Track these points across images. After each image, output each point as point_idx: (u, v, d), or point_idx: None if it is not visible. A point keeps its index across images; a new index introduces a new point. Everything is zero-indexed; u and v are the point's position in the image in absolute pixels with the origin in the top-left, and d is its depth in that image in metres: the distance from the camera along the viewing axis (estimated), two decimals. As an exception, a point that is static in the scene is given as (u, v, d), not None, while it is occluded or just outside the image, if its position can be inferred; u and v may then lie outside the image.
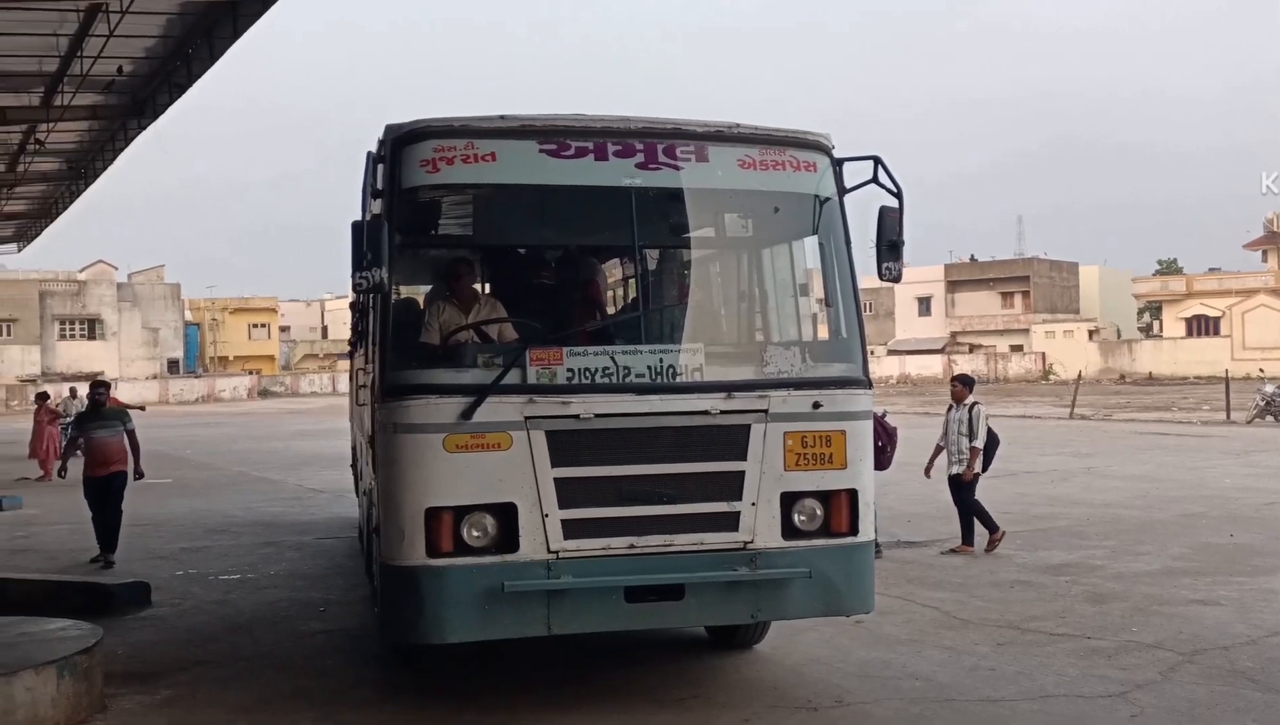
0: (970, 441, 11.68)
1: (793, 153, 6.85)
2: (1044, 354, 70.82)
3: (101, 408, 12.54)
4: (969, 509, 11.82)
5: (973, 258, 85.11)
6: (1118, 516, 14.29)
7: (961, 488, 11.82)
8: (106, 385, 13.26)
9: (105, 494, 12.08)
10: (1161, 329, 77.16)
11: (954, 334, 79.65)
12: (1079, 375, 44.13)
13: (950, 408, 11.99)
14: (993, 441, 11.93)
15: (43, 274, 72.76)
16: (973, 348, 76.51)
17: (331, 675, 7.67)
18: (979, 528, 11.81)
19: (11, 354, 68.48)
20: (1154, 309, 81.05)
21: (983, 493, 12.02)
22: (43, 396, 24.02)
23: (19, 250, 40.82)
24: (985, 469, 11.97)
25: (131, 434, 12.32)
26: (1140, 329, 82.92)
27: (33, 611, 8.66)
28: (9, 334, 70.14)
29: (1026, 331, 75.71)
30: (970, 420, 11.71)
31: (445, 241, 7.65)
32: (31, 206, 32.28)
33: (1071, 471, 19.54)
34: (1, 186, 27.68)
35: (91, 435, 12.17)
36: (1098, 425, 31.41)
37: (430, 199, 6.76)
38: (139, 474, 12.42)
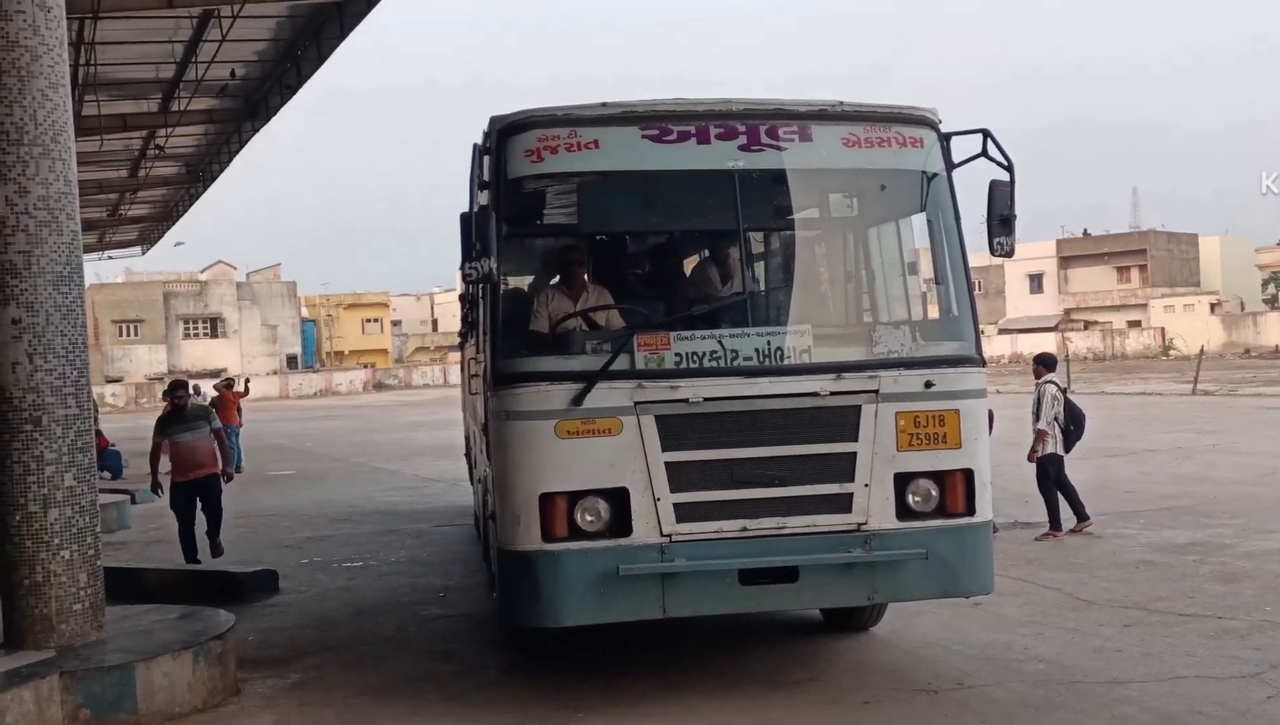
0: (1034, 423, 11.39)
1: (898, 129, 6.75)
2: (1163, 329, 68.64)
3: (184, 410, 11.65)
4: (1050, 491, 11.48)
5: (1086, 232, 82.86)
6: (1245, 494, 13.81)
7: (1042, 469, 11.51)
8: (185, 385, 12.33)
9: (196, 499, 11.44)
10: (1288, 300, 74.26)
11: (1068, 311, 77.63)
12: (1201, 350, 42.69)
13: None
14: (1076, 419, 11.56)
15: (166, 276, 75.47)
16: (1088, 324, 74.50)
17: (454, 658, 7.81)
18: (1066, 511, 11.46)
19: (139, 353, 71.10)
20: (1279, 280, 77.97)
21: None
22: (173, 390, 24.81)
23: (143, 253, 42.35)
24: (1069, 449, 11.62)
25: (218, 433, 11.74)
26: (1265, 301, 79.72)
27: (168, 600, 9.02)
28: (136, 334, 72.83)
29: (1144, 306, 73.46)
30: (1038, 400, 11.42)
31: (551, 230, 7.72)
32: (153, 210, 33.42)
33: (1195, 449, 18.93)
34: (125, 191, 28.73)
35: (176, 439, 11.21)
36: (1222, 401, 30.34)
37: (536, 188, 6.82)
38: (228, 476, 11.98)
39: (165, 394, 11.67)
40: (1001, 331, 73.18)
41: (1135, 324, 72.22)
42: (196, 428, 11.37)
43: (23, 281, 6.85)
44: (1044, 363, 11.82)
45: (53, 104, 6.94)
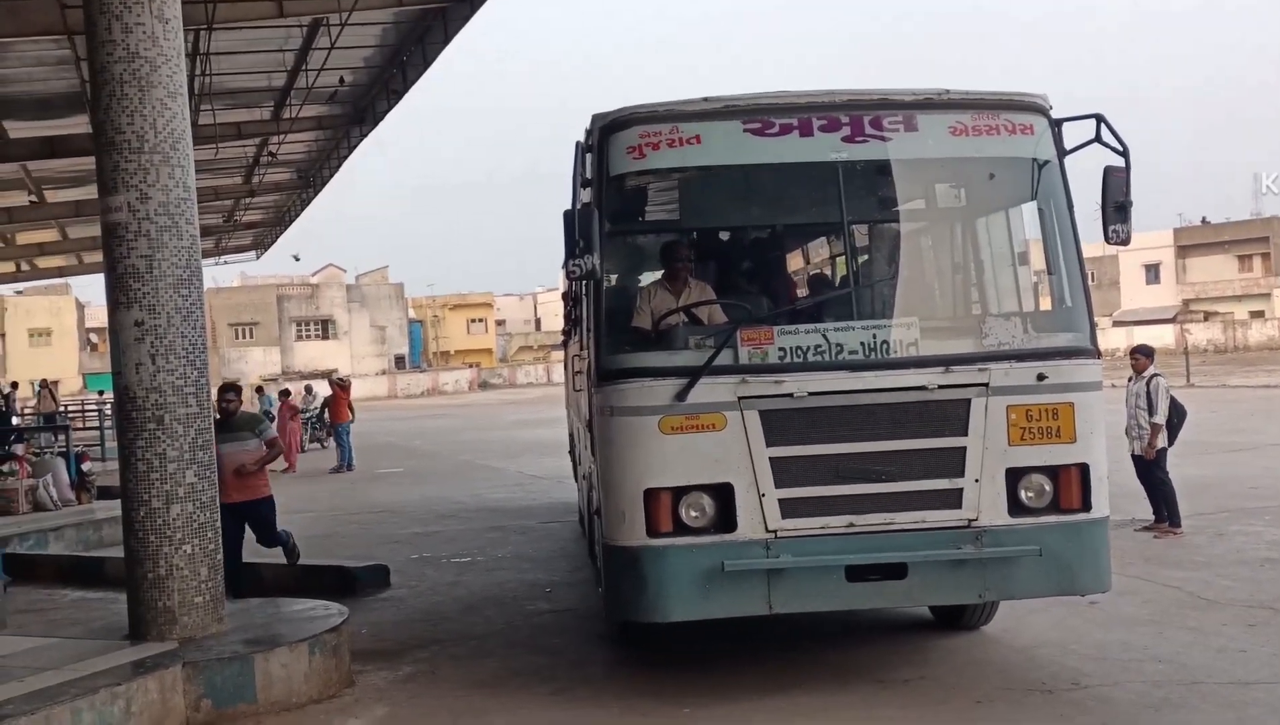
0: (1150, 416, 11.02)
1: (1007, 116, 6.61)
2: (1288, 319, 66.09)
3: (231, 417, 9.77)
4: (1160, 487, 11.13)
5: (1204, 220, 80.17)
6: (1378, 489, 13.22)
7: (1147, 465, 11.15)
8: (237, 388, 10.35)
9: (244, 524, 9.66)
10: None
11: (1186, 302, 75.19)
12: (1330, 340, 40.96)
13: (1130, 380, 11.34)
14: (1178, 414, 11.21)
15: (279, 279, 77.51)
16: (1208, 316, 72.07)
17: (561, 653, 7.88)
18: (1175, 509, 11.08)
19: (254, 355, 73.18)
20: None
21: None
22: (284, 393, 25.56)
23: (257, 257, 43.52)
24: (1171, 443, 11.25)
25: (273, 443, 10.07)
26: (1398, 288, 76.21)
27: (284, 594, 9.26)
28: (251, 337, 75.00)
29: (1268, 296, 70.75)
30: (1149, 393, 11.06)
31: (654, 226, 7.74)
32: (266, 215, 34.32)
33: (1323, 444, 18.19)
34: (239, 197, 29.55)
35: (220, 451, 8.53)
36: (1353, 393, 29.12)
37: (638, 184, 6.85)
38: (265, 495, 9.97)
39: (216, 397, 9.46)
40: (1116, 323, 71.15)
41: (1258, 314, 69.61)
42: (240, 439, 9.63)
43: (145, 285, 7.10)
44: (1146, 354, 11.46)
45: (171, 112, 7.18)
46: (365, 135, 22.27)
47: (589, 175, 6.60)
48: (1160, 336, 64.08)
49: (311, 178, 27.63)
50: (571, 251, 6.27)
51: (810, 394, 6.21)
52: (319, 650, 7.00)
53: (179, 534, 7.14)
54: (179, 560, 7.14)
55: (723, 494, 6.23)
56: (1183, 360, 38.61)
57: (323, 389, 26.24)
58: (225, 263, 45.24)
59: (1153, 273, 76.52)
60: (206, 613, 7.24)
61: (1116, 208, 6.53)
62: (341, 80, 18.53)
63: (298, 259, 66.49)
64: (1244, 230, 75.95)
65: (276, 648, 6.87)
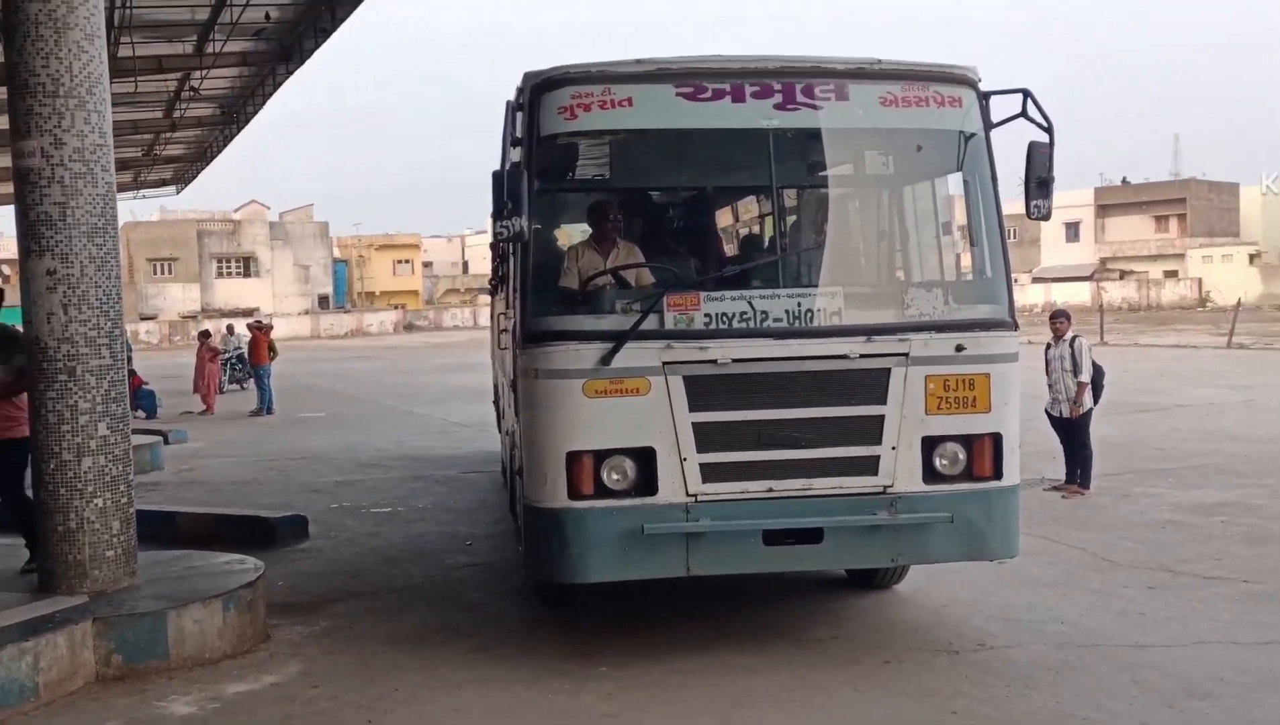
0: (1076, 376, 11.31)
1: (937, 88, 6.65)
2: (1200, 280, 67.85)
3: None
4: (1080, 449, 11.45)
5: (1125, 180, 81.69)
6: (1278, 453, 13.68)
7: (1073, 426, 11.45)
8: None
9: None
10: (1330, 252, 73.07)
11: (1104, 260, 76.79)
12: (1238, 302, 42.14)
13: (1048, 346, 11.61)
14: (1098, 374, 11.55)
15: (200, 214, 75.82)
16: (1124, 274, 73.70)
17: (480, 608, 7.91)
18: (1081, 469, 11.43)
19: (173, 292, 71.71)
20: (1322, 230, 76.69)
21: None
22: (204, 334, 25.12)
23: (177, 192, 42.37)
24: (1096, 402, 11.59)
25: (21, 373, 7.49)
26: (1306, 252, 78.58)
27: (199, 544, 9.17)
28: (170, 272, 73.43)
29: (1182, 257, 72.57)
30: (1074, 355, 11.34)
31: (584, 187, 7.68)
32: (187, 150, 33.43)
33: (1229, 404, 18.77)
34: (159, 132, 28.76)
35: None
36: (1258, 355, 30.03)
37: (568, 145, 6.76)
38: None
39: None
40: (1036, 280, 72.55)
41: (1172, 274, 71.43)
42: None
43: (58, 233, 6.90)
44: (1066, 317, 11.73)
45: (88, 55, 6.94)
46: (291, 73, 21.73)
47: (519, 135, 6.51)
48: (1077, 293, 65.59)
49: (235, 114, 26.95)
50: (500, 212, 6.20)
51: (734, 361, 6.25)
52: (233, 606, 6.94)
53: (90, 487, 7.01)
54: (90, 514, 7.01)
55: (645, 458, 6.26)
56: (1098, 318, 39.48)
57: (245, 329, 25.79)
58: (144, 197, 44.14)
59: (1073, 231, 77.98)
60: (118, 567, 7.13)
61: (1039, 183, 6.62)
62: (268, 16, 18.02)
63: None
64: (1162, 191, 77.70)
65: (190, 603, 6.79)
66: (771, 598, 7.84)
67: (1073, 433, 11.49)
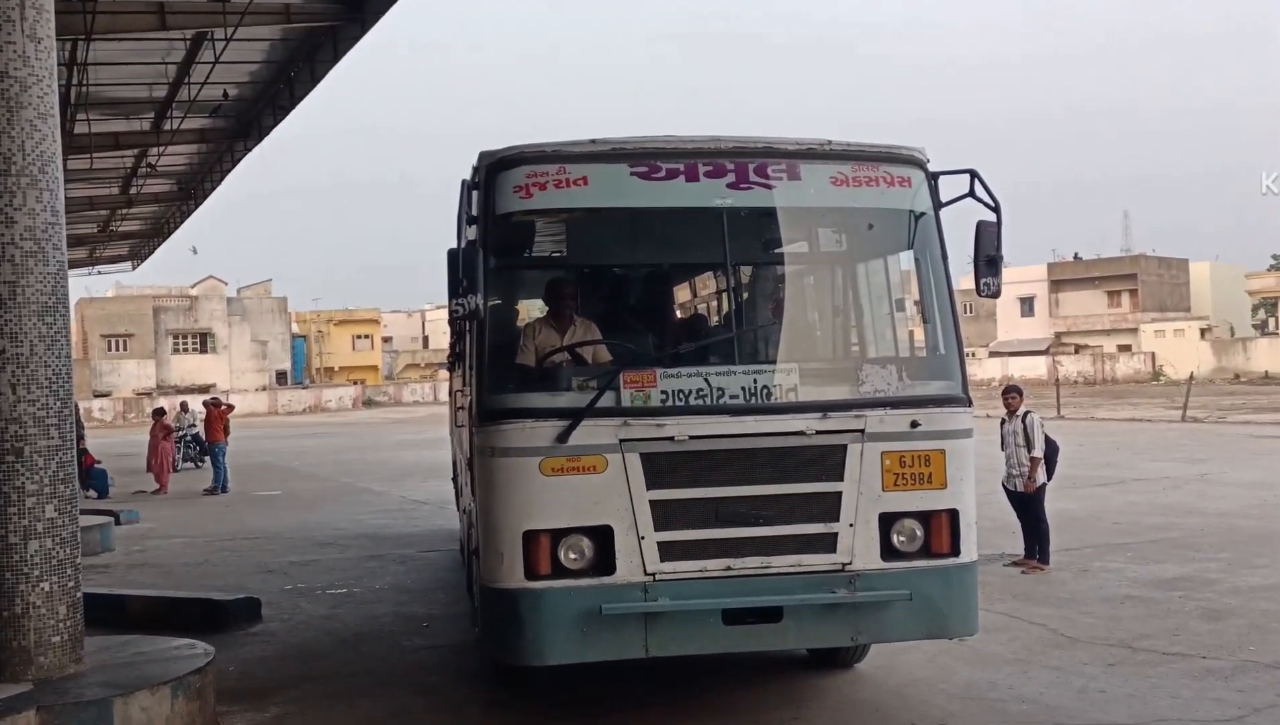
0: (1029, 452, 11.41)
1: (886, 168, 6.77)
2: (1153, 354, 68.83)
3: None
4: (1035, 524, 11.51)
5: (1076, 256, 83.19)
6: (1233, 527, 13.81)
7: (1028, 500, 11.53)
8: None
9: None
10: (1278, 326, 74.42)
11: (1058, 334, 77.85)
12: (1190, 376, 42.83)
13: (1003, 420, 11.73)
14: (1052, 449, 11.66)
15: (156, 290, 75.27)
16: (1078, 348, 74.68)
17: (436, 693, 7.77)
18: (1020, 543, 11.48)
19: (128, 368, 70.93)
20: (1269, 306, 78.17)
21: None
22: (159, 412, 24.81)
23: (133, 268, 42.30)
24: (1049, 478, 11.68)
25: None
26: (1255, 326, 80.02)
27: (150, 627, 8.97)
28: (125, 348, 72.67)
29: (1135, 331, 73.69)
30: (1026, 430, 11.44)
31: (540, 264, 7.72)
32: (144, 226, 33.41)
33: (1184, 478, 18.96)
34: (116, 208, 28.70)
35: None
36: (1211, 428, 30.43)
37: (524, 223, 6.82)
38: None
39: None
40: (993, 354, 73.37)
41: (1125, 348, 72.42)
42: None
43: (7, 312, 6.83)
44: (1018, 392, 11.87)
45: (41, 134, 6.93)
46: (250, 150, 21.90)
47: (475, 213, 6.54)
48: (1033, 367, 66.36)
49: (192, 190, 27.01)
50: (455, 290, 6.21)
51: (691, 438, 6.24)
52: (182, 693, 6.78)
53: (36, 571, 6.86)
54: (36, 598, 6.86)
55: (602, 536, 6.21)
56: (1054, 391, 39.92)
57: (200, 406, 25.52)
58: (100, 273, 43.92)
59: (1027, 305, 79.10)
60: (64, 652, 6.96)
61: (988, 261, 6.73)
62: (225, 94, 18.18)
63: (195, 251, 64.32)
64: (1113, 266, 79.05)
65: (137, 691, 6.61)
66: (731, 677, 7.76)
67: (1028, 507, 11.55)
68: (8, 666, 6.86)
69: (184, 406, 28.70)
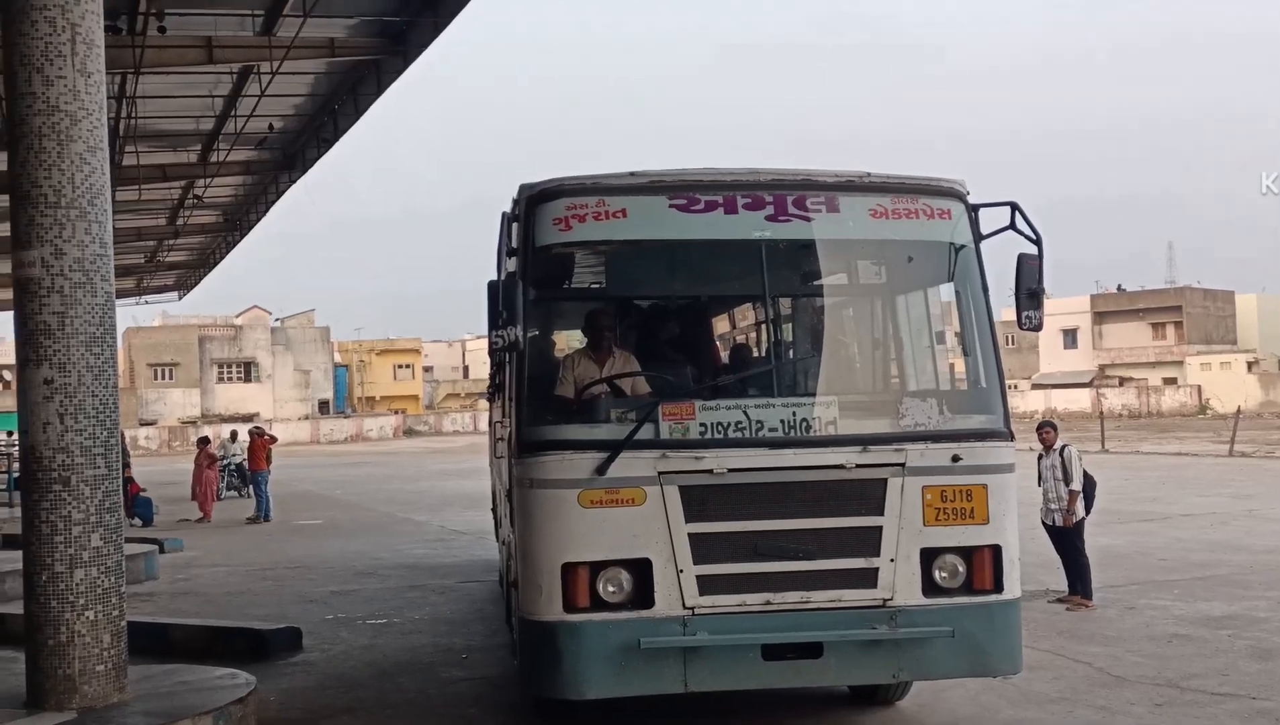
0: (1067, 485, 11.27)
1: (926, 200, 6.75)
2: (1199, 387, 67.92)
3: None
4: (1078, 555, 11.34)
5: (1120, 288, 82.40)
6: (1282, 564, 13.56)
7: (1066, 535, 11.37)
8: None
9: None
10: (1328, 359, 73.29)
11: (1102, 367, 77.00)
12: (1238, 410, 42.16)
13: (1040, 456, 11.60)
14: (1090, 484, 11.49)
15: (202, 319, 76.21)
16: (1123, 381, 73.82)
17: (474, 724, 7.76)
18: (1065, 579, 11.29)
19: (174, 397, 71.68)
20: (1319, 337, 77.01)
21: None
22: (204, 441, 25.04)
23: (179, 298, 42.90)
24: (1087, 512, 11.51)
25: None
26: (1304, 359, 78.78)
27: (192, 656, 9.04)
28: (171, 377, 73.51)
29: (1180, 363, 72.75)
30: (1064, 464, 11.31)
31: (579, 296, 7.75)
32: (191, 256, 33.90)
33: (1232, 514, 18.63)
34: (163, 239, 29.16)
35: None
36: (1260, 463, 29.91)
37: (563, 255, 6.86)
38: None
39: None
40: (1035, 387, 72.61)
41: (1171, 381, 71.49)
42: None
43: (56, 342, 6.94)
44: (1053, 427, 11.78)
45: (90, 167, 7.06)
46: (294, 181, 22.19)
47: (514, 245, 6.61)
48: (1077, 400, 65.64)
49: (238, 221, 27.38)
50: (495, 322, 6.25)
51: (730, 471, 6.23)
52: (224, 722, 6.82)
53: (81, 600, 6.93)
54: (81, 627, 6.93)
55: (641, 569, 6.20)
56: (1098, 424, 39.43)
57: (245, 436, 25.76)
58: (147, 303, 44.57)
59: (1070, 338, 78.30)
60: (108, 681, 7.01)
61: (1029, 294, 6.68)
62: (271, 127, 18.47)
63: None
64: (1158, 299, 78.16)
65: (179, 720, 6.67)
66: (773, 713, 7.68)
67: (1067, 542, 11.40)
68: (52, 695, 6.92)
69: (233, 435, 28.92)
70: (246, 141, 19.37)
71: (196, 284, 39.01)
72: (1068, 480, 11.26)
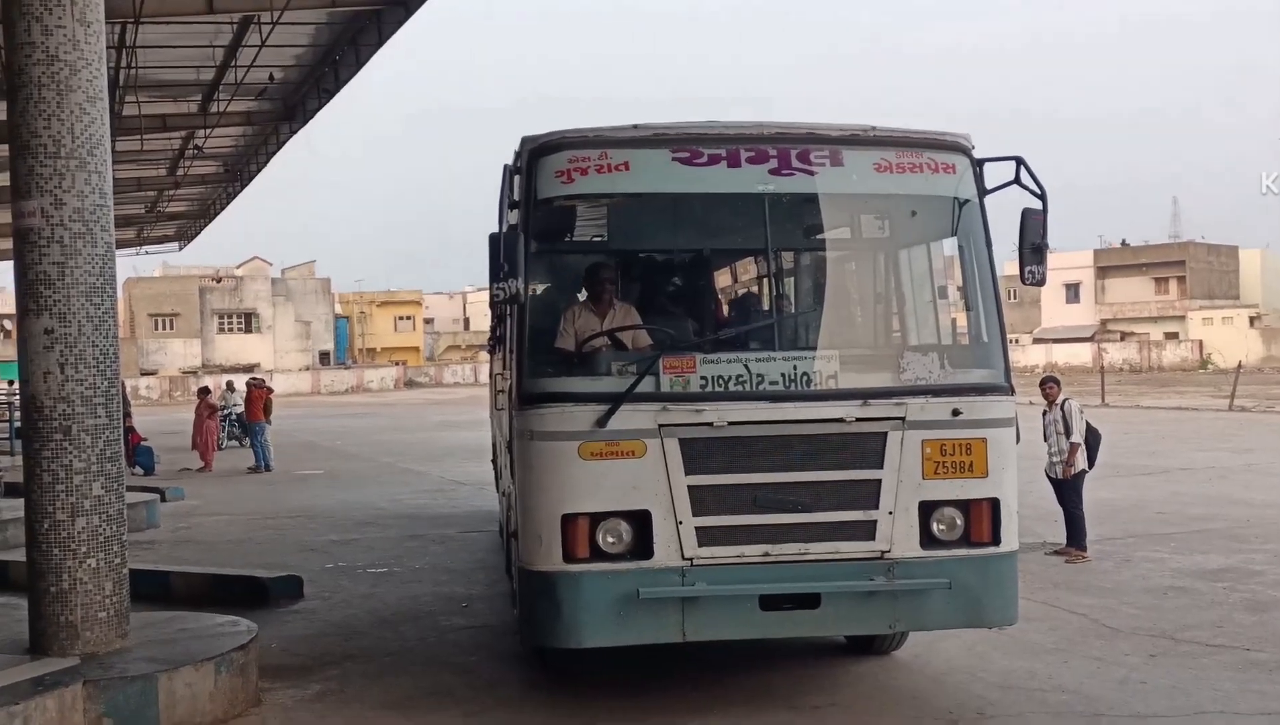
0: (1068, 437, 11.35)
1: (930, 155, 6.72)
2: (1201, 342, 67.93)
3: None
4: (1073, 508, 11.43)
5: (1124, 242, 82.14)
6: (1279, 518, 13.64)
7: (1064, 487, 11.47)
8: None
9: None
10: (1330, 314, 73.23)
11: (1104, 322, 76.97)
12: (1239, 364, 42.17)
13: (1044, 412, 11.68)
14: (1094, 437, 11.60)
15: (203, 270, 76.11)
16: (1124, 335, 73.82)
17: (474, 672, 7.84)
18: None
19: (174, 347, 71.78)
20: (1322, 293, 76.95)
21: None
22: (204, 391, 25.09)
23: (180, 249, 42.72)
24: (1091, 466, 11.61)
25: None
26: (1306, 314, 78.71)
27: (193, 604, 9.14)
28: (171, 328, 73.58)
29: (1182, 318, 72.73)
30: (1064, 417, 11.40)
31: (580, 249, 7.74)
32: (191, 207, 33.74)
33: (1231, 468, 18.72)
34: (163, 189, 29.01)
35: None
36: (1259, 418, 29.98)
37: (565, 208, 6.83)
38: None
39: None
40: (1036, 341, 72.66)
41: (1173, 336, 71.51)
42: None
43: (56, 292, 6.93)
44: (1055, 382, 11.84)
45: (90, 117, 7.01)
46: (295, 132, 22.02)
47: (516, 198, 6.59)
48: (1078, 355, 65.69)
49: (238, 172, 27.23)
50: (496, 275, 6.24)
51: (730, 423, 6.25)
52: (225, 669, 6.88)
53: (83, 548, 6.97)
54: (83, 574, 6.97)
55: (640, 521, 6.24)
56: (1099, 379, 39.47)
57: (243, 387, 25.81)
58: (147, 253, 44.43)
59: (1073, 292, 78.20)
60: (110, 628, 7.07)
61: (1033, 249, 6.67)
62: (271, 77, 18.28)
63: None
64: (1161, 253, 77.97)
65: (181, 667, 6.72)
66: (767, 662, 7.76)
67: (1065, 494, 11.47)
68: (55, 641, 6.98)
69: (230, 386, 29.00)
70: (247, 92, 19.18)
71: (197, 234, 38.85)
72: (1069, 433, 11.35)
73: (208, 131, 21.39)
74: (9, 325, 74.10)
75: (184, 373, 66.83)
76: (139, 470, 20.83)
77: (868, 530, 6.37)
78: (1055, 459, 11.50)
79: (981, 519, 6.50)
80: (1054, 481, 11.61)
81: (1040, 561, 10.97)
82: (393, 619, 9.46)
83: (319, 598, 10.31)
